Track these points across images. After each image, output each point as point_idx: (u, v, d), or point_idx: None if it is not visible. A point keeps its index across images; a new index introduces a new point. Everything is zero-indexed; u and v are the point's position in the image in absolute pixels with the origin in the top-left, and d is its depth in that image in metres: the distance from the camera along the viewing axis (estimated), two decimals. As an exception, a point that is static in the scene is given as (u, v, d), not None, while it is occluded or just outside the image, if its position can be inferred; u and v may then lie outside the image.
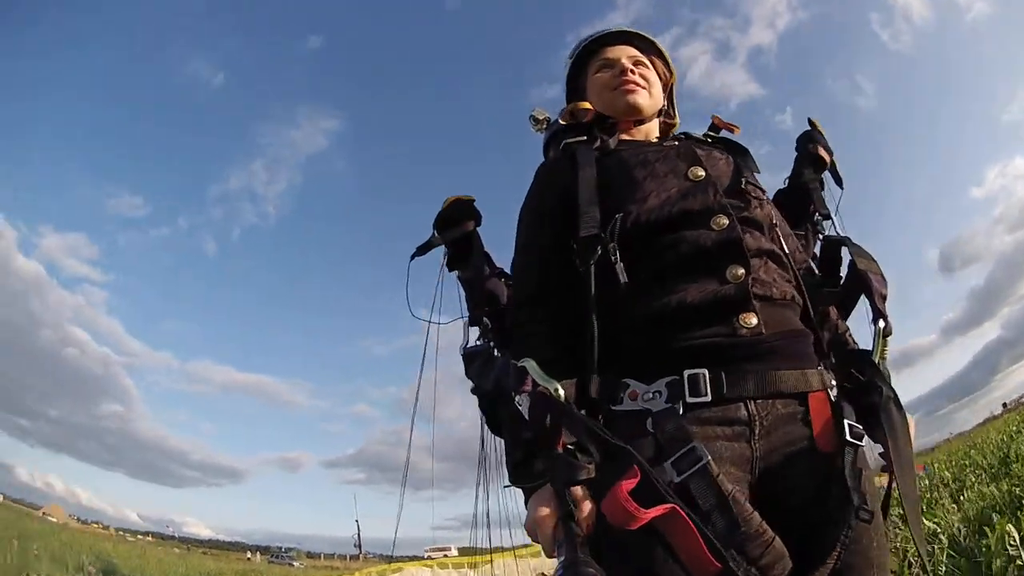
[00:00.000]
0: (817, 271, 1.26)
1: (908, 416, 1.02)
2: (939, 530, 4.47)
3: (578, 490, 0.86)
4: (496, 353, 1.33)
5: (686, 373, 0.94)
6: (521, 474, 0.97)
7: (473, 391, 1.35)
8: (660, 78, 1.40)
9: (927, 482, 8.09)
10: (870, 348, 1.11)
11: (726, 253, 1.03)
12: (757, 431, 0.93)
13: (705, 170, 1.14)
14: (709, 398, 0.93)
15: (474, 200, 1.46)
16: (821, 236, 1.38)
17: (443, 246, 1.50)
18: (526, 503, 0.96)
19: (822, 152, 1.46)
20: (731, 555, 0.80)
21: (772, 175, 1.46)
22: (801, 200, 1.43)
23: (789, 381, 0.96)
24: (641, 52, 1.38)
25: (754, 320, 0.98)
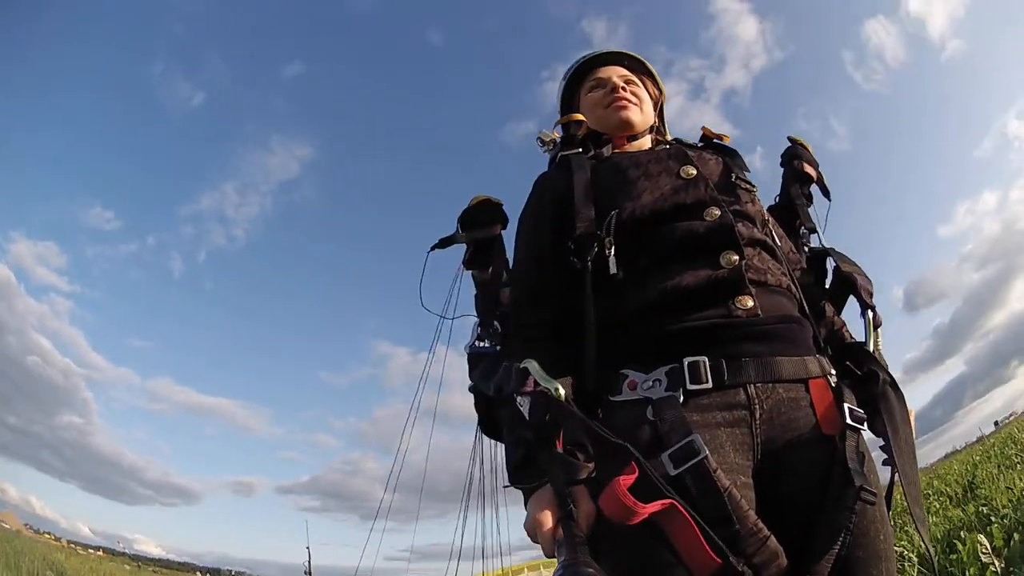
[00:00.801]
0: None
1: (908, 405, 1.04)
2: (907, 551, 4.66)
3: (578, 490, 0.86)
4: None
5: (686, 360, 0.95)
6: (521, 475, 0.98)
7: (471, 389, 1.36)
8: (650, 96, 1.46)
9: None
10: (864, 341, 1.16)
11: (719, 240, 1.06)
12: (758, 415, 0.94)
13: (696, 168, 1.19)
14: (710, 385, 0.94)
15: (503, 204, 1.47)
16: (807, 249, 1.41)
17: (465, 244, 1.49)
18: (526, 504, 0.96)
19: (807, 168, 1.49)
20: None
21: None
22: (789, 216, 1.46)
23: (789, 367, 0.98)
24: (631, 71, 1.45)
25: (750, 302, 1.00)
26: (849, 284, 1.22)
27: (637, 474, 0.81)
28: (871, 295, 1.20)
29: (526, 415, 0.95)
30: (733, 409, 0.94)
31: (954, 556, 3.97)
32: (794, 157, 1.53)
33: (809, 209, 1.44)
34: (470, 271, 1.51)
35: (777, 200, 1.52)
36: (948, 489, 8.45)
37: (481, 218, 1.46)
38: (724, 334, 0.98)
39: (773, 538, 0.84)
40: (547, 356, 1.02)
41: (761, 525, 0.84)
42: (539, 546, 0.90)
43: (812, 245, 1.40)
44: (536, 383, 0.96)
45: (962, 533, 4.38)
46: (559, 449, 0.90)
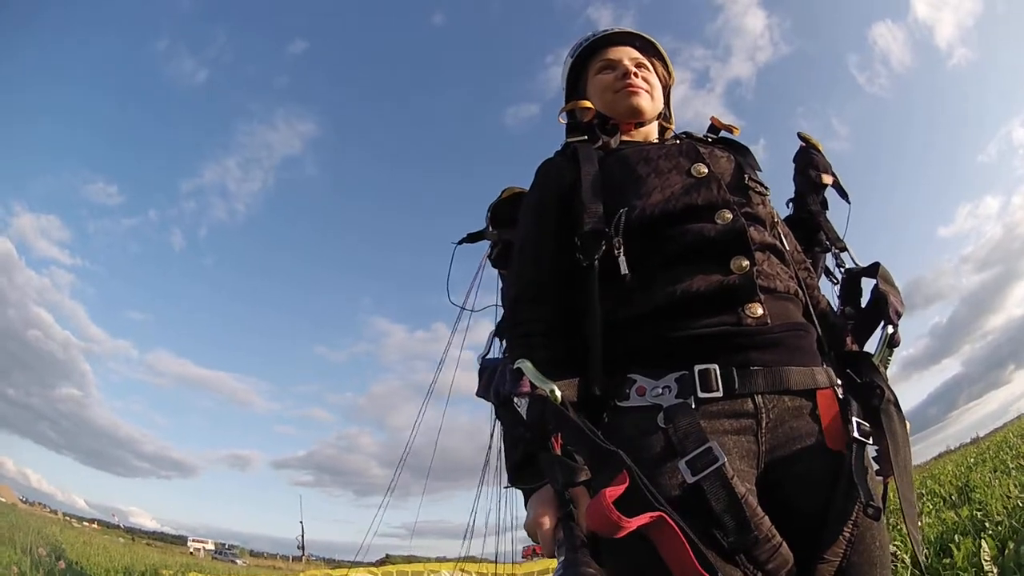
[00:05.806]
0: (839, 302, 1.29)
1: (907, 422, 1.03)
2: (899, 551, 4.65)
3: (578, 491, 0.86)
4: None
5: (697, 368, 0.94)
6: (520, 476, 0.97)
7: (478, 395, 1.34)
8: (660, 80, 1.40)
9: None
10: (873, 352, 1.13)
11: (731, 244, 1.03)
12: (764, 424, 0.93)
13: (708, 167, 1.14)
14: (720, 393, 0.92)
15: None
16: (842, 269, 1.37)
17: (493, 240, 1.45)
18: (526, 504, 0.96)
19: (824, 178, 1.45)
20: (740, 560, 0.81)
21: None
22: (808, 227, 1.41)
23: (797, 378, 0.96)
24: (642, 53, 1.39)
25: (760, 310, 0.98)
26: (881, 300, 1.18)
27: (628, 484, 0.79)
28: (899, 316, 1.16)
29: (523, 415, 0.94)
30: (740, 417, 0.93)
31: (947, 560, 3.95)
32: (809, 165, 1.47)
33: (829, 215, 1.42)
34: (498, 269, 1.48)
35: (790, 206, 1.49)
36: (942, 490, 8.48)
37: (513, 215, 1.37)
38: (733, 342, 0.96)
39: (785, 545, 0.84)
40: (544, 354, 1.00)
41: (775, 531, 0.84)
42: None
43: (848, 266, 1.36)
44: (532, 384, 0.94)
45: (956, 537, 4.35)
46: (557, 451, 0.89)
